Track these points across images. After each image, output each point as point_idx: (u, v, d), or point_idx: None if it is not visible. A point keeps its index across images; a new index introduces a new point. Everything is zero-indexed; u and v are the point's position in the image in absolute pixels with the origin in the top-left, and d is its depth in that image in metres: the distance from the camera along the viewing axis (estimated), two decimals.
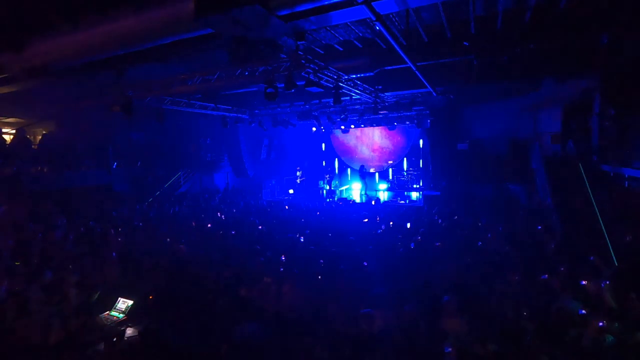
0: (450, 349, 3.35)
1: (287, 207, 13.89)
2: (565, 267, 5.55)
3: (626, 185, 8.55)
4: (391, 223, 10.13)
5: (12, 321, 4.35)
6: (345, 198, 16.45)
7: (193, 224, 10.61)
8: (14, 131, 13.18)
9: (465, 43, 8.43)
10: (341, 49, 9.28)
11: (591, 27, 7.76)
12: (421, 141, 16.69)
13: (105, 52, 5.96)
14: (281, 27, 4.92)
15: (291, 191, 18.59)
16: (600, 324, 3.68)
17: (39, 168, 11.58)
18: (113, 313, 4.90)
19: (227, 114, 13.89)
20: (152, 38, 5.37)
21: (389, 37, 6.00)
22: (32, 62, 6.36)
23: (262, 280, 5.42)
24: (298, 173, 18.08)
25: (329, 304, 4.71)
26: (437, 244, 7.47)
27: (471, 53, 8.67)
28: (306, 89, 8.16)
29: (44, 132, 13.55)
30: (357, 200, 17.13)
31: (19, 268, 6.08)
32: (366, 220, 10.44)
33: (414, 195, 16.25)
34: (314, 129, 17.00)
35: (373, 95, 11.50)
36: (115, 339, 4.14)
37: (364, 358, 3.65)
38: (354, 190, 18.45)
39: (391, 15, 7.09)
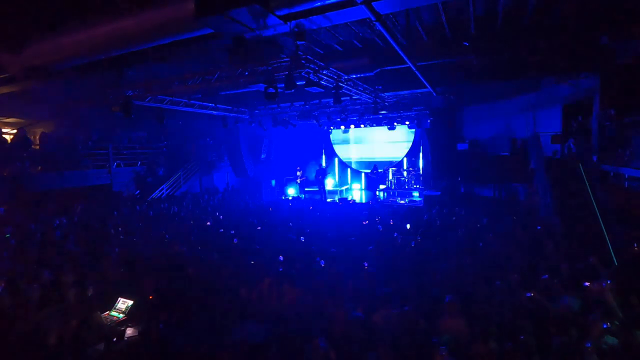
0: (445, 349, 3.34)
1: (290, 204, 13.92)
2: (565, 267, 5.55)
3: (626, 185, 8.55)
4: (391, 222, 10.14)
5: (12, 321, 4.34)
6: (345, 198, 16.45)
7: (191, 222, 10.62)
8: (14, 131, 13.17)
9: (465, 43, 8.43)
10: (341, 49, 9.29)
11: (591, 27, 7.76)
12: (421, 141, 16.70)
13: (105, 52, 5.96)
14: (281, 27, 4.93)
15: (291, 191, 18.60)
16: (605, 325, 3.67)
17: (39, 168, 11.58)
18: (113, 313, 4.90)
19: (227, 114, 13.88)
20: (152, 38, 5.37)
21: (388, 37, 6.01)
22: (32, 62, 6.37)
23: (262, 281, 5.42)
24: (298, 173, 18.09)
25: (329, 304, 4.71)
26: (437, 241, 7.48)
27: (471, 53, 8.67)
28: (306, 89, 8.16)
29: (44, 132, 13.52)
30: (357, 200, 17.15)
31: (19, 268, 6.07)
32: (366, 222, 10.43)
33: (414, 195, 16.26)
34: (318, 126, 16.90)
35: (373, 95, 11.50)
36: (115, 339, 4.14)
37: (364, 358, 3.65)
38: (354, 190, 18.47)
39: (391, 15, 7.08)
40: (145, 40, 5.46)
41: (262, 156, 18.89)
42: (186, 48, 6.06)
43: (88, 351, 3.88)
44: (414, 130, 16.62)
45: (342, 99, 9.54)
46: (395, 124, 15.14)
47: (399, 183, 16.78)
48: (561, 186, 8.92)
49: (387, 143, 17.68)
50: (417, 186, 16.41)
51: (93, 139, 13.57)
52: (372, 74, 9.75)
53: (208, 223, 10.54)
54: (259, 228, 9.80)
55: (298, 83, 7.86)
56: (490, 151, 13.62)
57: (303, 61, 7.56)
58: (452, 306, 4.28)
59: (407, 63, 7.85)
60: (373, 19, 4.82)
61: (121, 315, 4.84)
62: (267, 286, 5.29)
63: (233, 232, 9.23)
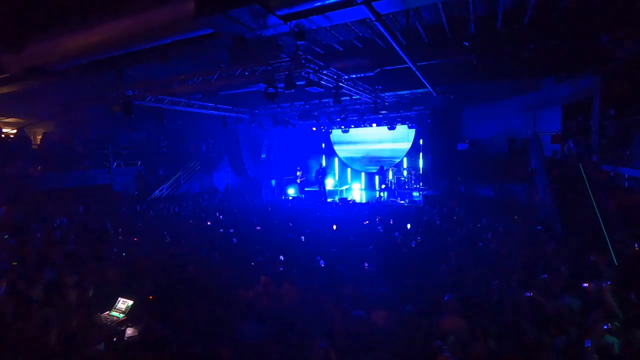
0: (448, 352, 3.34)
1: (290, 204, 13.92)
2: (565, 267, 5.55)
3: (626, 185, 8.54)
4: (391, 222, 10.14)
5: (12, 321, 4.35)
6: (345, 198, 16.45)
7: (191, 222, 10.63)
8: (14, 131, 13.18)
9: (465, 43, 8.43)
10: (341, 49, 9.28)
11: (591, 27, 7.76)
12: (421, 141, 16.69)
13: (105, 52, 5.96)
14: (281, 27, 4.93)
15: (291, 191, 18.61)
16: (605, 326, 3.67)
17: (39, 168, 11.58)
18: (113, 313, 4.90)
19: (227, 114, 13.88)
20: (152, 38, 5.37)
21: (389, 37, 6.01)
22: (32, 62, 6.37)
23: (261, 280, 5.42)
24: (298, 173, 18.10)
25: (329, 304, 4.71)
26: (437, 241, 7.48)
27: (471, 53, 8.67)
28: (306, 89, 8.16)
29: (44, 132, 13.53)
30: (357, 200, 17.14)
31: (19, 268, 6.07)
32: (366, 222, 10.44)
33: (414, 195, 16.27)
34: (314, 128, 16.99)
35: (373, 95, 11.51)
36: (115, 339, 4.14)
37: (364, 358, 3.65)
38: (354, 190, 18.47)
39: (391, 15, 7.09)
40: (145, 40, 5.46)
41: (262, 156, 18.90)
42: (186, 48, 6.05)
43: (88, 351, 3.88)
44: (414, 130, 16.63)
45: (342, 99, 9.54)
46: (395, 124, 15.15)
47: (399, 183, 16.78)
48: (561, 186, 8.91)
49: (387, 143, 17.70)
50: (417, 186, 16.41)
51: (93, 139, 13.57)
52: (372, 74, 9.74)
53: (208, 223, 10.55)
54: (259, 228, 9.79)
55: (298, 83, 7.86)
56: (490, 151, 13.62)
57: (303, 61, 7.56)
58: (451, 304, 4.28)
59: (407, 63, 7.85)
60: (373, 18, 4.81)
61: (121, 315, 4.84)
62: (264, 285, 5.29)
63: (232, 231, 9.24)
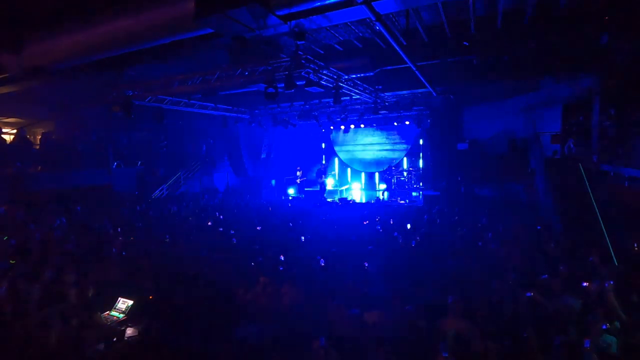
0: (447, 353, 3.33)
1: (290, 204, 13.91)
2: (565, 267, 5.55)
3: (626, 185, 8.55)
4: (391, 222, 10.15)
5: (11, 321, 4.35)
6: (345, 198, 16.46)
7: (190, 219, 10.63)
8: (14, 131, 13.18)
9: (465, 43, 8.44)
10: (341, 49, 9.30)
11: (591, 27, 7.77)
12: (421, 141, 16.69)
13: (105, 52, 5.96)
14: (281, 27, 4.93)
15: (291, 191, 18.60)
16: (604, 326, 3.67)
17: (39, 168, 11.57)
18: (113, 313, 4.90)
19: (227, 114, 13.89)
20: (152, 38, 5.37)
21: (389, 37, 6.01)
22: (31, 62, 6.37)
23: (259, 281, 5.42)
24: (298, 173, 18.10)
25: (329, 304, 4.71)
26: (437, 241, 7.47)
27: (471, 53, 8.68)
28: (306, 89, 8.17)
29: (44, 132, 13.53)
30: (357, 200, 17.15)
31: (19, 268, 6.07)
32: (366, 222, 10.44)
33: (414, 195, 16.27)
34: (322, 130, 16.91)
35: (373, 95, 11.51)
36: (115, 339, 4.14)
37: (363, 358, 3.65)
38: (354, 190, 18.47)
39: (391, 15, 7.10)
40: (145, 40, 5.46)
41: (262, 156, 18.90)
42: (186, 48, 6.06)
43: (88, 351, 3.88)
44: (414, 130, 16.63)
45: (342, 98, 9.55)
46: (395, 123, 15.16)
47: (399, 183, 16.79)
48: (561, 186, 8.91)
49: (387, 143, 17.71)
50: (417, 186, 16.42)
51: (93, 139, 13.56)
52: (372, 74, 9.76)
53: (208, 223, 10.54)
54: (259, 228, 9.80)
55: (298, 83, 7.86)
56: (490, 151, 13.62)
57: (303, 61, 7.56)
58: (455, 306, 4.26)
59: (407, 63, 7.85)
60: (373, 18, 4.82)
61: (121, 315, 4.84)
62: (263, 286, 5.29)
63: (233, 232, 9.23)
